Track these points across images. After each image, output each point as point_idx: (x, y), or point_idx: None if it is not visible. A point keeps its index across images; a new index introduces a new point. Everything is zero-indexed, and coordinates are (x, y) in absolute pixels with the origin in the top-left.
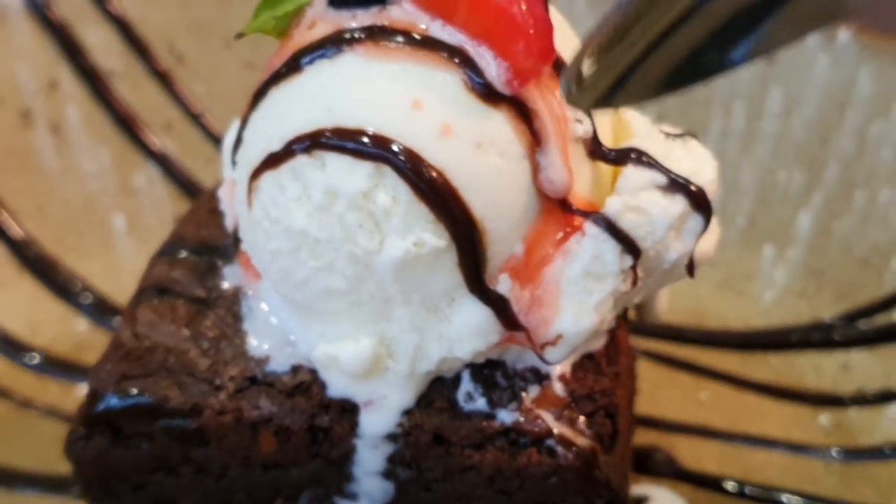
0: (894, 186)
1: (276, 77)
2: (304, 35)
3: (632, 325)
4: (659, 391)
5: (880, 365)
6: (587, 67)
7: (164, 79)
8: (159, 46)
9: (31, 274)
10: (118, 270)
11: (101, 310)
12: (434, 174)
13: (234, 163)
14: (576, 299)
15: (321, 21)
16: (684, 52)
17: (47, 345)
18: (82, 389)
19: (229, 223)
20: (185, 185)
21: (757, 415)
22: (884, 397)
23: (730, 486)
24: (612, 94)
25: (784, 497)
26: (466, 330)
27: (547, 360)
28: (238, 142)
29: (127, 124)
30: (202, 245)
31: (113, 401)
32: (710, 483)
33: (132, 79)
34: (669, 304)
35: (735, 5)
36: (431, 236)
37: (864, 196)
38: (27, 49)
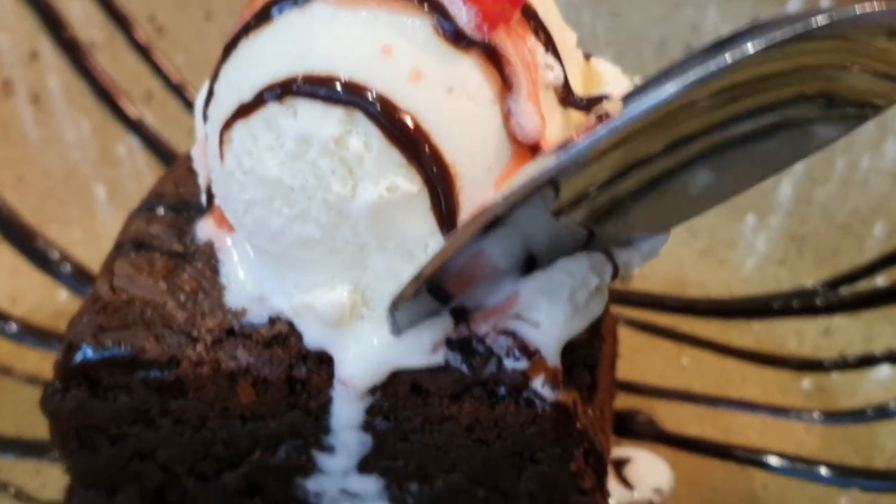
0: (875, 152)
1: (247, 28)
2: None
3: (613, 293)
4: (640, 357)
5: (862, 329)
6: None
7: (144, 50)
8: (140, 17)
9: (10, 244)
10: (98, 240)
11: (81, 279)
12: (406, 118)
13: (205, 118)
14: None
15: None
16: None
17: (26, 314)
18: None
19: (202, 181)
20: (166, 155)
21: (738, 380)
22: (865, 361)
23: (710, 447)
24: None
25: (765, 457)
26: None
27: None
28: (209, 96)
29: (107, 95)
30: (180, 201)
31: (89, 352)
32: (691, 444)
33: (113, 50)
34: (649, 271)
35: None
36: (404, 181)
37: (844, 162)
38: (8, 20)
